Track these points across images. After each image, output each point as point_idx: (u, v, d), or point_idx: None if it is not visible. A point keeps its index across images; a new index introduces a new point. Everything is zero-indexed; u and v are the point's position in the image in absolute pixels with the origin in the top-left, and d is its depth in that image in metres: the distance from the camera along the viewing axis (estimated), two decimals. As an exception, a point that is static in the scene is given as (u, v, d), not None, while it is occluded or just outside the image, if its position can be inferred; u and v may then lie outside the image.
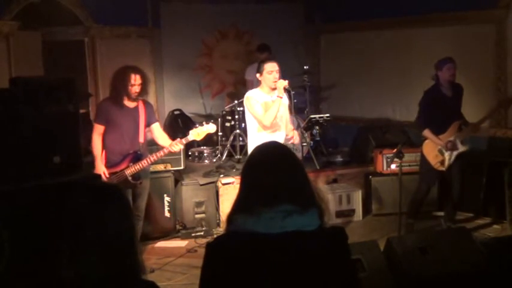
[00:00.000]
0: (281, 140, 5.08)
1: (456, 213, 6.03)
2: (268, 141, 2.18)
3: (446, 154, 5.59)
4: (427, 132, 5.59)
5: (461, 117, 5.70)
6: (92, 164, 4.91)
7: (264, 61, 5.28)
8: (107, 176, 4.87)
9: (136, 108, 5.00)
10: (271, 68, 5.06)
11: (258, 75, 5.15)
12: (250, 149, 5.28)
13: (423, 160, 5.73)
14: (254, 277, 1.80)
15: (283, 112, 5.20)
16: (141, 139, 5.03)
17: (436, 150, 5.61)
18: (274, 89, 5.05)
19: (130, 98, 4.91)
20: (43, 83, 3.65)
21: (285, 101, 5.21)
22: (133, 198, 5.03)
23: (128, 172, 4.90)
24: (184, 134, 5.14)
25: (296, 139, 5.34)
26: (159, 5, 8.35)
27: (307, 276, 1.81)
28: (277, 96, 5.01)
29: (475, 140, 6.56)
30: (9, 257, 1.58)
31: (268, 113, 5.02)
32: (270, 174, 1.90)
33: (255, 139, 5.13)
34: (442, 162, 5.62)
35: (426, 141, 5.68)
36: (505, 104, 6.36)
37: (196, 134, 5.00)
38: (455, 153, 5.61)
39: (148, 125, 5.09)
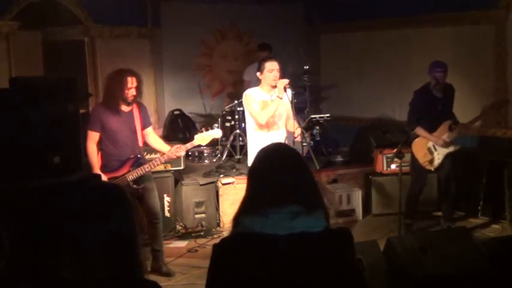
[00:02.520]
0: (281, 138, 5.09)
1: (454, 212, 6.04)
2: (273, 143, 2.18)
3: (436, 153, 5.61)
4: (419, 130, 5.62)
5: (452, 117, 5.72)
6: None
7: (264, 60, 5.27)
8: None
9: (131, 112, 4.83)
10: (271, 67, 5.05)
11: (258, 73, 5.14)
12: (249, 147, 5.27)
13: (413, 159, 5.75)
14: (263, 278, 1.80)
15: (282, 110, 5.17)
16: (140, 143, 4.91)
17: (425, 149, 5.64)
18: (275, 87, 5.03)
19: (126, 103, 4.75)
20: (43, 83, 3.64)
21: (286, 100, 5.21)
22: (144, 204, 4.88)
23: (130, 177, 4.74)
24: (185, 134, 5.11)
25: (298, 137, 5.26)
26: (159, 5, 8.35)
27: (315, 277, 1.81)
28: (277, 97, 5.00)
29: (475, 139, 6.57)
30: (9, 258, 1.58)
31: (265, 111, 5.00)
32: (276, 175, 1.90)
33: (253, 138, 5.14)
34: (431, 161, 5.64)
35: (416, 139, 5.70)
36: (497, 106, 6.37)
37: (202, 138, 4.92)
38: (444, 152, 5.63)
39: (144, 127, 4.93)
